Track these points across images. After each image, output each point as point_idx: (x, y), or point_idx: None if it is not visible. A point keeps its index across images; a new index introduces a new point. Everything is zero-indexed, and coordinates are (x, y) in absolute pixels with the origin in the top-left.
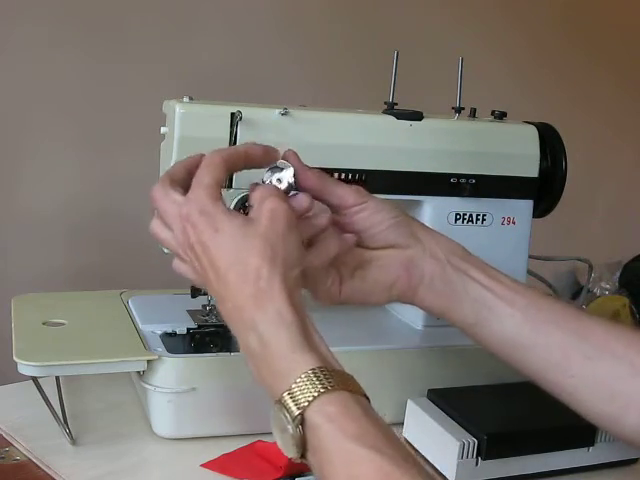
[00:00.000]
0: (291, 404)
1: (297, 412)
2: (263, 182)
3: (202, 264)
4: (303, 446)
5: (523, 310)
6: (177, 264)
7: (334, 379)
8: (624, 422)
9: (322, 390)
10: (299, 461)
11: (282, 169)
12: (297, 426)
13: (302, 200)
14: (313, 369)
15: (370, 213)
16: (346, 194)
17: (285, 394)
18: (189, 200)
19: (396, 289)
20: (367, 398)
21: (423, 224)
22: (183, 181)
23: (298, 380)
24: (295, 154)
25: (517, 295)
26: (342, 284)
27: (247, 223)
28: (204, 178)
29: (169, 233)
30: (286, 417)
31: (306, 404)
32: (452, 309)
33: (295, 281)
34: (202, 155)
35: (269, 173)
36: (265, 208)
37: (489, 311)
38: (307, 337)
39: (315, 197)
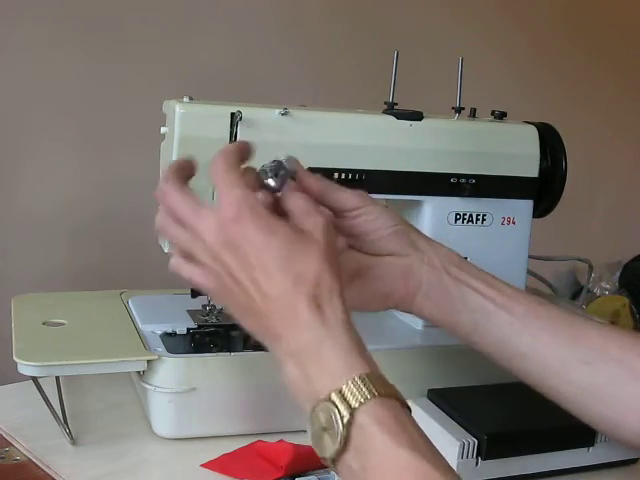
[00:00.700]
0: (340, 404)
1: (347, 412)
2: (264, 170)
3: (250, 264)
4: (343, 447)
5: (521, 318)
6: (182, 266)
7: (383, 385)
8: (624, 426)
9: (376, 394)
10: (329, 463)
11: (280, 169)
12: (345, 425)
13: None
14: (367, 373)
15: (370, 218)
16: (347, 198)
17: (334, 393)
18: (232, 201)
19: (393, 298)
20: (410, 409)
21: (422, 233)
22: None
23: (350, 382)
24: (296, 160)
25: (515, 303)
26: None
27: (301, 231)
28: (236, 181)
29: (181, 231)
30: (334, 416)
31: (357, 405)
32: (450, 318)
33: (343, 296)
34: (188, 160)
35: (272, 164)
36: (316, 221)
37: (487, 320)
38: (361, 343)
39: (317, 201)
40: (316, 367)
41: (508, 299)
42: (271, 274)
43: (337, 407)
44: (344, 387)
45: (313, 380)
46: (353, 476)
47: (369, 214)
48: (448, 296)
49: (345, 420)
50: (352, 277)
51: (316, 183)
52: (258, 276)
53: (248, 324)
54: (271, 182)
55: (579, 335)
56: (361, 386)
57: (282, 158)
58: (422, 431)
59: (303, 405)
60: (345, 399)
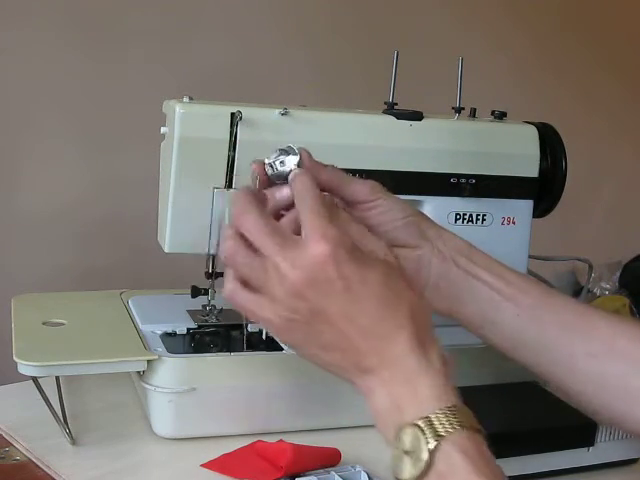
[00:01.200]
0: (428, 430)
1: (434, 439)
2: (267, 162)
3: (346, 299)
4: (424, 472)
5: (529, 310)
6: (240, 294)
7: (469, 419)
8: (632, 418)
9: (462, 426)
10: None
11: (289, 153)
12: (430, 451)
13: (284, 192)
14: (455, 405)
15: (381, 211)
16: (358, 190)
17: (422, 420)
18: (326, 234)
19: None
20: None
21: (433, 222)
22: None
23: (439, 411)
24: (307, 152)
25: (522, 294)
26: None
27: (382, 260)
28: (330, 216)
29: (255, 260)
30: (422, 440)
31: (445, 434)
32: (458, 310)
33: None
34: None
35: (277, 153)
36: (380, 244)
37: (495, 312)
38: (450, 372)
39: (330, 192)
40: (409, 396)
41: (516, 291)
42: (372, 314)
43: (425, 433)
44: (432, 416)
45: (404, 409)
46: None
47: (380, 207)
48: (456, 288)
49: (431, 446)
50: None
51: (327, 175)
52: (354, 312)
53: (326, 358)
54: (272, 168)
55: (587, 327)
56: (450, 417)
57: (285, 146)
58: (500, 467)
59: (386, 431)
60: (433, 427)
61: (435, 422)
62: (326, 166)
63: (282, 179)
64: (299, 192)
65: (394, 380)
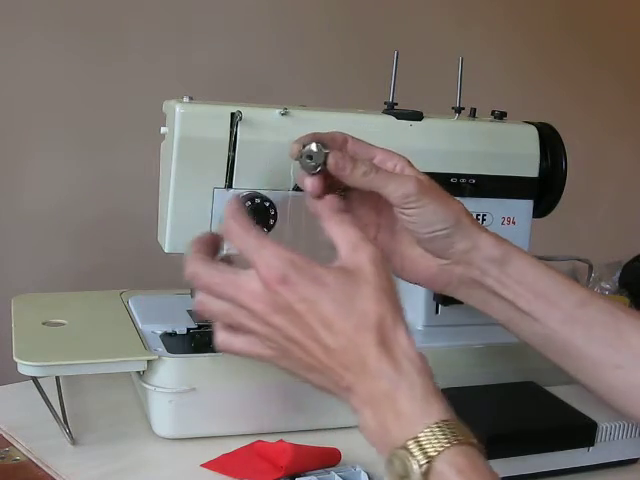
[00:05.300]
0: (417, 452)
1: (425, 460)
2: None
3: (306, 322)
4: None
5: (554, 325)
6: (233, 341)
7: (460, 432)
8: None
9: (454, 442)
10: None
11: (316, 151)
12: (423, 474)
13: (332, 201)
14: (444, 420)
15: (413, 220)
16: (392, 196)
17: (411, 441)
18: (271, 263)
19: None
20: (485, 455)
21: (470, 230)
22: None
23: (427, 430)
24: (335, 157)
25: (552, 308)
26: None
27: (350, 272)
28: (261, 241)
29: (225, 305)
30: (411, 464)
31: (435, 454)
32: (480, 308)
33: (408, 330)
34: (211, 235)
35: (307, 147)
36: (365, 255)
37: (516, 324)
38: (434, 384)
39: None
40: (392, 415)
41: (545, 305)
42: (331, 326)
43: (414, 455)
44: (421, 435)
45: (390, 429)
46: None
47: (413, 216)
48: (475, 297)
49: (423, 469)
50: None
51: (359, 177)
52: (318, 331)
53: (314, 381)
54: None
55: (618, 340)
56: (438, 434)
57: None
58: (496, 475)
59: (382, 452)
60: (422, 447)
61: (423, 441)
62: (363, 162)
63: (309, 171)
64: (230, 236)
65: (373, 399)
